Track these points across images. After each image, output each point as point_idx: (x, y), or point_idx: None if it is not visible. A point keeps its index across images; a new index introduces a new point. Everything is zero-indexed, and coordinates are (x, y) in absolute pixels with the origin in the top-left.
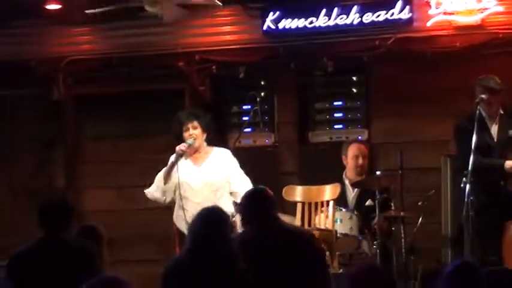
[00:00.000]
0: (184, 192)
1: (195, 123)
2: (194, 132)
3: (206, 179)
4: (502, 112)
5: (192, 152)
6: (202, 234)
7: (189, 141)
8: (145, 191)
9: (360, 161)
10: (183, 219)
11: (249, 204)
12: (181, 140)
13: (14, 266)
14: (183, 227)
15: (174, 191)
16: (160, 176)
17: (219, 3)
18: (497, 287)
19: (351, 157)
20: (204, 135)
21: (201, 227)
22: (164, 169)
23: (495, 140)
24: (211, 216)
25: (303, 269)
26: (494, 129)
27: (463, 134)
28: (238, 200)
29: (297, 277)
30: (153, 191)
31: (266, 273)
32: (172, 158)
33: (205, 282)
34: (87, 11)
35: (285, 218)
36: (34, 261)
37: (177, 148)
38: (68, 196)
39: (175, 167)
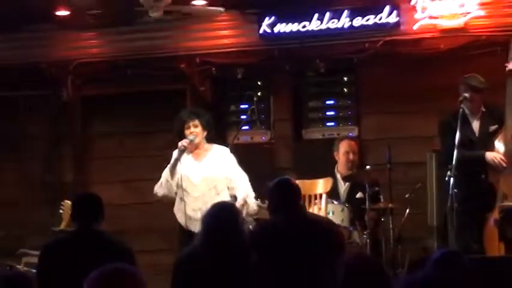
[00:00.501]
0: (186, 186)
1: (196, 121)
2: (195, 130)
3: (205, 174)
4: (483, 109)
5: (193, 148)
6: (215, 229)
7: (191, 137)
8: (154, 192)
9: (351, 156)
10: (182, 211)
11: (277, 194)
12: (183, 137)
13: (46, 255)
14: (182, 219)
15: (177, 185)
16: (166, 173)
17: (221, 9)
18: (479, 274)
19: (342, 153)
20: (204, 133)
21: (214, 221)
22: (169, 166)
23: (477, 135)
24: (224, 211)
25: (324, 260)
26: (476, 126)
27: (447, 129)
28: (238, 194)
29: (317, 266)
30: (161, 189)
31: (291, 260)
32: (175, 154)
33: (218, 274)
34: (89, 12)
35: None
36: (69, 251)
37: (180, 144)
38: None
39: (179, 162)
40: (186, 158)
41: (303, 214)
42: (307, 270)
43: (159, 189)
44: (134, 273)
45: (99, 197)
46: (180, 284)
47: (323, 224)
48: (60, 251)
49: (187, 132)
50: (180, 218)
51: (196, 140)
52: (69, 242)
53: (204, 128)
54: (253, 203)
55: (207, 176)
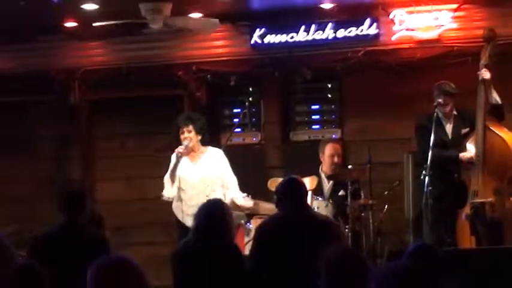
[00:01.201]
0: (183, 186)
1: (190, 127)
2: (189, 135)
3: (201, 174)
4: (456, 114)
5: (189, 151)
6: (205, 225)
7: (185, 142)
8: (162, 197)
9: (336, 159)
10: (180, 208)
11: (287, 189)
12: (179, 140)
13: (35, 246)
14: (179, 215)
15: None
16: (167, 179)
17: (217, 21)
18: (451, 265)
19: (328, 155)
20: (198, 137)
21: (204, 218)
22: (169, 171)
23: (450, 137)
24: (214, 208)
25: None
26: (449, 128)
27: (422, 131)
28: (227, 195)
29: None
30: (168, 192)
31: (293, 252)
32: (173, 158)
33: (208, 263)
34: (95, 24)
35: (269, 206)
36: (55, 243)
37: (176, 151)
38: (82, 185)
39: (177, 166)
40: (183, 160)
41: (308, 211)
42: (312, 260)
43: (166, 193)
44: (134, 263)
45: (82, 190)
46: (179, 273)
47: (325, 219)
48: (47, 243)
49: (182, 136)
50: (178, 214)
51: (190, 145)
52: (56, 235)
53: (197, 132)
54: (243, 202)
55: (202, 176)
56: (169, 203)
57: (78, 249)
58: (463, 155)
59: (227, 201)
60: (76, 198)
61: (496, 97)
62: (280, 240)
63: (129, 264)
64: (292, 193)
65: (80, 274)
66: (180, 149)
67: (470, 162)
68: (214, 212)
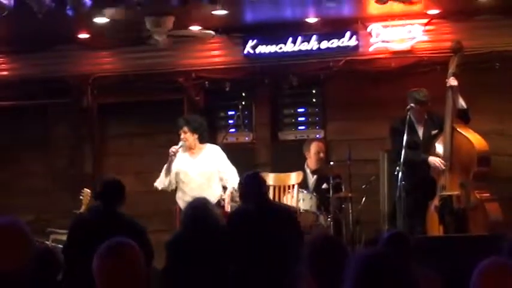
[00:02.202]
0: (184, 179)
1: (185, 128)
2: (184, 136)
3: (200, 169)
4: (426, 117)
5: (188, 148)
6: (193, 218)
7: (180, 143)
8: (154, 186)
9: (321, 155)
10: (182, 199)
11: (249, 184)
12: (179, 139)
13: (74, 231)
14: (182, 205)
15: (176, 179)
16: (162, 173)
17: (212, 33)
18: (421, 251)
19: (314, 153)
20: (195, 136)
21: (191, 211)
22: (165, 167)
23: (421, 138)
24: (198, 203)
25: (286, 236)
26: (420, 130)
27: (396, 133)
28: (228, 185)
29: (282, 241)
30: (160, 183)
31: (260, 238)
32: (171, 153)
33: (197, 251)
34: (106, 35)
35: None
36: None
37: (170, 151)
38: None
39: (172, 163)
40: (184, 156)
41: (267, 202)
42: (272, 242)
43: (158, 184)
44: (133, 246)
45: (122, 183)
46: (171, 259)
47: (282, 207)
48: (85, 227)
49: (180, 136)
50: (181, 205)
51: (187, 144)
52: (94, 220)
53: (193, 132)
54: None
55: (201, 171)
56: (172, 196)
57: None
58: (433, 162)
59: (228, 191)
60: (117, 189)
61: (462, 102)
62: (245, 228)
63: (134, 248)
64: (254, 187)
65: None
66: (173, 148)
67: (438, 166)
68: (199, 207)
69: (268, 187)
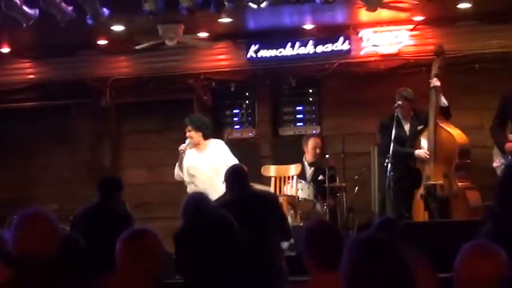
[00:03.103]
0: (194, 173)
1: (189, 127)
2: (190, 134)
3: (208, 162)
4: (412, 114)
5: (195, 145)
6: (193, 207)
7: (187, 141)
8: (175, 177)
9: (317, 151)
10: (193, 191)
11: (232, 177)
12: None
13: (75, 221)
14: None
15: (187, 173)
16: (177, 168)
17: (208, 43)
18: (408, 235)
19: (311, 148)
20: (199, 133)
21: (193, 205)
22: (177, 163)
23: (407, 134)
24: (197, 197)
25: (269, 217)
26: (407, 127)
27: (384, 129)
28: None
29: (266, 223)
30: (177, 176)
31: (245, 223)
32: (181, 150)
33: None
34: (122, 42)
35: (263, 188)
36: (91, 219)
37: (179, 148)
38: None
39: (183, 160)
40: (192, 152)
41: (249, 189)
42: (256, 226)
43: (176, 177)
44: (154, 233)
45: (119, 179)
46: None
47: (262, 193)
48: (85, 218)
49: (186, 135)
50: None
51: (192, 141)
52: (92, 211)
53: (196, 130)
54: None
55: (209, 164)
56: (180, 186)
57: (108, 222)
58: (418, 154)
59: None
60: (109, 183)
61: (444, 100)
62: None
63: (150, 233)
64: (233, 178)
65: (109, 241)
66: (182, 146)
67: (422, 159)
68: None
69: (248, 177)
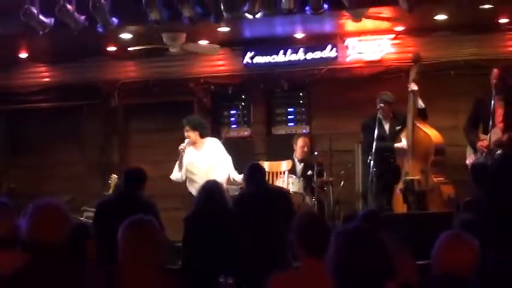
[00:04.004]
0: (192, 169)
1: (187, 127)
2: (187, 133)
3: (205, 159)
4: (392, 115)
5: (193, 143)
6: (206, 196)
7: (186, 140)
8: (170, 176)
9: (305, 149)
10: (193, 186)
11: (251, 172)
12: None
13: (99, 209)
14: (193, 191)
15: (186, 170)
16: (176, 167)
17: (218, 46)
18: (389, 224)
19: (300, 146)
20: (196, 133)
21: (204, 192)
22: (177, 163)
23: (387, 132)
24: (210, 186)
25: (281, 212)
26: (387, 126)
27: (367, 129)
28: (225, 172)
29: (277, 217)
30: (174, 176)
31: (259, 214)
32: (180, 149)
33: (211, 222)
34: (129, 48)
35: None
36: (115, 208)
37: (179, 148)
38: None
39: (182, 158)
40: (190, 150)
41: (266, 185)
42: (269, 219)
43: (173, 176)
44: (152, 221)
45: (143, 171)
46: (188, 231)
47: (279, 190)
48: (108, 207)
49: (185, 134)
50: (192, 191)
51: (190, 140)
52: (116, 201)
53: (193, 129)
54: (237, 177)
55: (206, 161)
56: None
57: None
58: (397, 146)
59: (226, 176)
60: (136, 175)
61: (421, 103)
62: (247, 207)
63: (149, 222)
64: (255, 174)
65: None
66: (182, 146)
67: (402, 150)
68: (212, 189)
69: (265, 173)
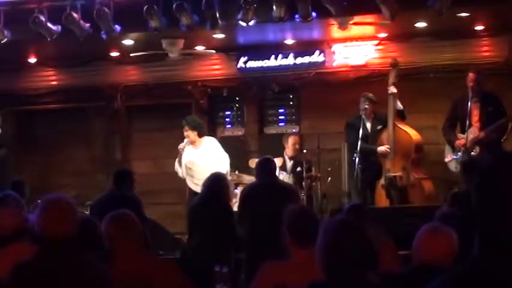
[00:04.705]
0: (191, 166)
1: (186, 127)
2: (186, 133)
3: (203, 156)
4: (373, 116)
5: (191, 142)
6: (211, 186)
7: (185, 140)
8: (175, 170)
9: (296, 147)
10: (192, 182)
11: (258, 167)
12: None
13: (93, 208)
14: (192, 186)
15: (186, 167)
16: (176, 164)
17: (212, 52)
18: (372, 217)
19: (291, 144)
20: (195, 132)
21: (208, 184)
22: (177, 160)
23: (369, 131)
24: (213, 178)
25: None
26: (369, 126)
27: (352, 127)
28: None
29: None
30: (178, 172)
31: (266, 209)
32: (180, 148)
33: (210, 213)
34: (131, 54)
35: (249, 178)
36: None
37: (178, 147)
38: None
39: (181, 157)
40: (189, 149)
41: (274, 179)
42: (276, 212)
43: (177, 171)
44: (130, 214)
45: (129, 171)
46: (191, 219)
47: (286, 185)
48: (100, 205)
49: (184, 134)
50: (191, 185)
51: (189, 139)
52: (106, 199)
53: (192, 129)
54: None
55: (204, 158)
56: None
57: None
58: (380, 150)
59: (224, 173)
60: (121, 175)
61: (399, 105)
62: (256, 198)
63: (127, 215)
64: (265, 167)
65: None
66: (181, 145)
67: (383, 154)
68: (216, 181)
69: (275, 167)
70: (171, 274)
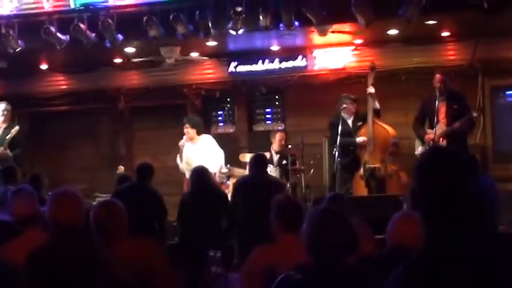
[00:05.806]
0: (190, 161)
1: (186, 124)
2: (186, 130)
3: (200, 152)
4: (355, 113)
5: (190, 139)
6: (197, 180)
7: (184, 137)
8: (177, 163)
9: (282, 142)
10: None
11: (250, 162)
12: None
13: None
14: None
15: (185, 162)
16: (178, 159)
17: (205, 58)
18: (352, 206)
19: (278, 140)
20: (194, 130)
21: (195, 177)
22: (178, 155)
23: (351, 127)
24: (199, 171)
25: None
26: (350, 122)
27: (333, 126)
28: (217, 164)
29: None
30: (178, 164)
31: (256, 200)
32: (180, 145)
33: (201, 202)
34: (133, 60)
35: (240, 171)
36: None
37: (179, 143)
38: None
39: (182, 153)
40: (188, 145)
41: (264, 173)
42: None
43: (178, 164)
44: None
45: (150, 165)
46: (182, 209)
47: (274, 179)
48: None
49: (184, 131)
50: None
51: (189, 136)
52: (128, 190)
53: (192, 127)
54: (223, 169)
55: (201, 153)
56: (179, 170)
57: (143, 200)
58: (358, 140)
59: (219, 167)
60: (144, 169)
61: (376, 104)
62: (248, 190)
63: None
64: (256, 163)
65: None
66: (181, 142)
67: (364, 144)
68: (201, 174)
69: (266, 163)
70: (147, 252)
